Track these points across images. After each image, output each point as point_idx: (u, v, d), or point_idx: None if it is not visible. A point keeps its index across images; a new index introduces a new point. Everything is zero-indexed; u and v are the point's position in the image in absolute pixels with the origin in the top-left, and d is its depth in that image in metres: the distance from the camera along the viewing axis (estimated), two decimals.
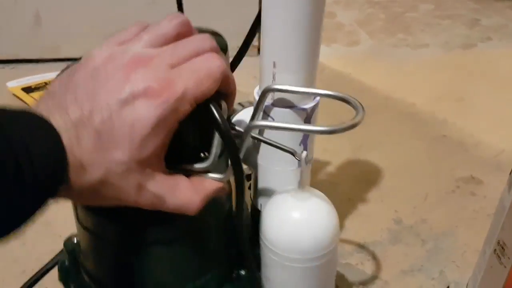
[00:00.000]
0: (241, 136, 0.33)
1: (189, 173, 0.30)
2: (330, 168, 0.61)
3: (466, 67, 0.88)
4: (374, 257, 0.48)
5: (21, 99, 0.73)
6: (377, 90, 0.79)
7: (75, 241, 0.38)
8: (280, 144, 0.34)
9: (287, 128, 0.31)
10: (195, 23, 0.31)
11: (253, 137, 0.35)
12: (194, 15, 0.34)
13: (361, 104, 0.31)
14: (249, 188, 0.45)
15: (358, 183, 0.59)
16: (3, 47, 0.84)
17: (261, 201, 0.41)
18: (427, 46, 0.96)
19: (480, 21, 1.09)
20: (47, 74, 0.77)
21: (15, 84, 0.75)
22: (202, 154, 0.32)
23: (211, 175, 0.31)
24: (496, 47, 0.96)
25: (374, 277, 0.46)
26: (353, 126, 0.30)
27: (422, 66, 0.88)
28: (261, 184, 0.41)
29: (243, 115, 0.39)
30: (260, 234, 0.36)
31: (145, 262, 0.33)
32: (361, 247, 0.49)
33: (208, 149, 0.31)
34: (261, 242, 0.36)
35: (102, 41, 0.27)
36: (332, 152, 0.64)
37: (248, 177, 0.46)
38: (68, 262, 0.38)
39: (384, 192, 0.57)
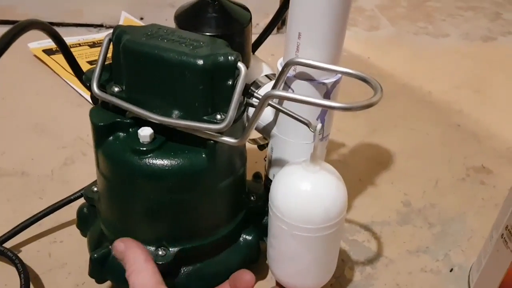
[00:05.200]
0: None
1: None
2: (343, 149, 0.62)
3: (485, 59, 0.88)
4: (381, 236, 0.49)
5: (42, 61, 0.74)
6: (395, 76, 0.79)
7: (94, 190, 0.39)
8: (296, 114, 0.35)
9: (303, 100, 0.31)
10: None
11: (271, 105, 0.36)
12: None
13: (380, 85, 0.31)
14: (265, 159, 0.45)
15: (369, 164, 0.59)
16: (24, 9, 0.84)
17: (274, 171, 0.42)
18: (447, 36, 0.95)
19: (502, 15, 1.08)
20: (68, 38, 0.78)
21: (37, 45, 0.76)
22: (218, 116, 0.32)
23: (224, 138, 0.32)
24: None
25: (379, 255, 0.47)
26: (369, 105, 0.30)
27: (442, 55, 0.88)
28: (275, 155, 0.41)
29: (269, 87, 0.39)
30: (270, 202, 0.36)
31: (159, 212, 0.34)
32: (369, 225, 0.50)
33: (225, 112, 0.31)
34: (269, 211, 0.37)
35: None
36: (347, 133, 0.64)
37: (262, 147, 0.47)
38: (87, 209, 0.40)
39: (395, 175, 0.58)
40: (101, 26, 0.87)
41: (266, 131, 0.41)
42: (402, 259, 0.47)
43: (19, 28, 0.30)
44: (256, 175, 0.45)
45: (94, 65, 0.35)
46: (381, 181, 0.57)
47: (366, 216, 0.51)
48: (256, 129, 0.42)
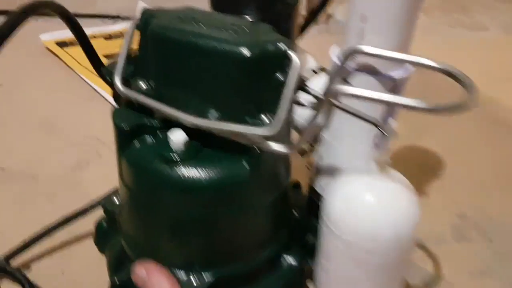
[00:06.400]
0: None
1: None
2: None
3: None
4: (436, 254, 0.43)
5: (55, 54, 0.69)
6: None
7: (116, 202, 0.33)
8: (363, 113, 0.29)
9: (377, 99, 0.25)
10: None
11: (334, 104, 0.30)
12: None
13: (473, 83, 0.25)
14: (307, 166, 0.40)
15: (415, 170, 0.53)
16: None
17: (323, 183, 0.36)
18: (484, 28, 0.89)
19: None
20: None
21: (49, 37, 0.71)
22: (264, 117, 0.27)
23: (272, 144, 0.26)
24: None
25: (438, 277, 0.41)
26: (463, 109, 0.23)
27: (481, 47, 0.82)
28: (325, 163, 0.36)
29: (315, 83, 0.34)
30: (324, 217, 0.31)
31: (192, 231, 0.29)
32: (422, 242, 0.44)
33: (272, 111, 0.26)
34: (324, 228, 0.31)
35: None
36: None
37: (304, 152, 0.41)
38: (106, 223, 0.34)
39: (444, 183, 0.52)
40: (117, 17, 0.82)
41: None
42: (464, 283, 0.40)
43: (32, 7, 0.25)
44: (296, 185, 0.40)
45: (112, 59, 0.29)
46: (431, 190, 0.51)
47: (418, 230, 0.45)
48: (296, 130, 0.36)
